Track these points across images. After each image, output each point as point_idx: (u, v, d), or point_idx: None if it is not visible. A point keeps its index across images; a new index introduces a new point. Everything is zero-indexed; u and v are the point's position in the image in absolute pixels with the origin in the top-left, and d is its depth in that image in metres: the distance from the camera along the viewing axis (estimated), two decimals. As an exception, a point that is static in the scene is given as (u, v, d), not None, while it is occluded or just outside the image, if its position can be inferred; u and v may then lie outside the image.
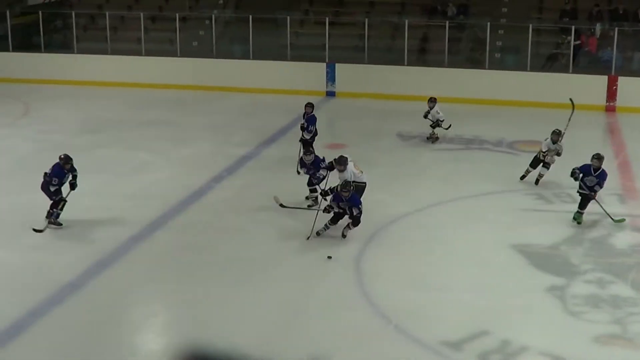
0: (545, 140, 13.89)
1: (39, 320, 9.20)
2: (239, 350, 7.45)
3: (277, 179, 14.37)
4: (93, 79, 22.94)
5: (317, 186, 12.28)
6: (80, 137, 17.20)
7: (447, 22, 22.01)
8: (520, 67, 21.34)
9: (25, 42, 24.32)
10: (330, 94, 22.06)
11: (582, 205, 11.97)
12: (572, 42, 21.13)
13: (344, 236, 11.27)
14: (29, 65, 23.40)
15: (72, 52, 23.85)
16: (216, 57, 23.09)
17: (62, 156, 11.69)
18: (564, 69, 21.11)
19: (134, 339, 9.04)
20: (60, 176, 11.56)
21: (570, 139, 17.24)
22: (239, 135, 17.30)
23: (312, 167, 12.47)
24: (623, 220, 12.06)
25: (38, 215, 11.80)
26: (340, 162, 11.74)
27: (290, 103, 20.65)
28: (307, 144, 14.28)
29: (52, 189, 11.56)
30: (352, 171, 11.73)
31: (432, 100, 16.58)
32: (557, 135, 13.83)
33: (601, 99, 20.61)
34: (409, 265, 10.64)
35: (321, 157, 12.57)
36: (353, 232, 11.46)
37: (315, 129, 14.89)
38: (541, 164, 13.97)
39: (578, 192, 11.99)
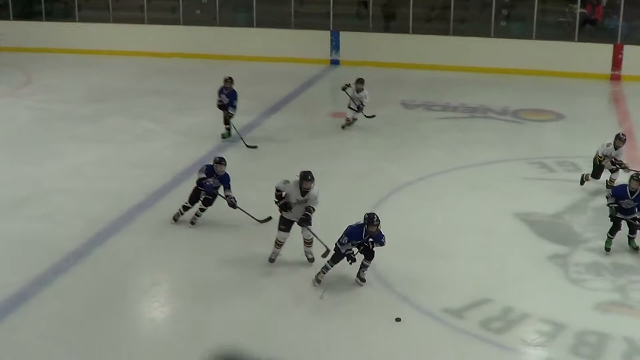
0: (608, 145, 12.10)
1: (43, 289, 9.23)
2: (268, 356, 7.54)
3: (280, 148, 14.37)
4: (95, 48, 22.90)
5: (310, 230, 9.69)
6: (83, 106, 17.20)
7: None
8: (526, 35, 21.20)
9: (26, 10, 24.25)
10: (335, 62, 22.00)
11: (613, 231, 10.21)
12: (578, 10, 20.98)
13: (363, 281, 9.32)
14: (30, 33, 23.33)
15: (74, 21, 23.77)
16: (219, 25, 22.99)
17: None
18: (570, 38, 20.97)
19: (138, 307, 9.08)
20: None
21: (575, 108, 17.23)
22: (242, 104, 17.22)
23: (218, 180, 10.55)
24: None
25: (39, 186, 11.78)
26: (309, 178, 9.38)
27: (294, 71, 20.68)
28: (226, 121, 14.29)
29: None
30: (314, 195, 9.47)
31: (360, 82, 15.26)
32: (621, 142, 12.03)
33: (606, 68, 20.53)
34: (412, 234, 10.65)
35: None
36: (356, 199, 11.46)
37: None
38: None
39: (610, 216, 10.16)
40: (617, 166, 11.93)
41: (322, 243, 9.34)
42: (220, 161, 10.50)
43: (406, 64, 21.16)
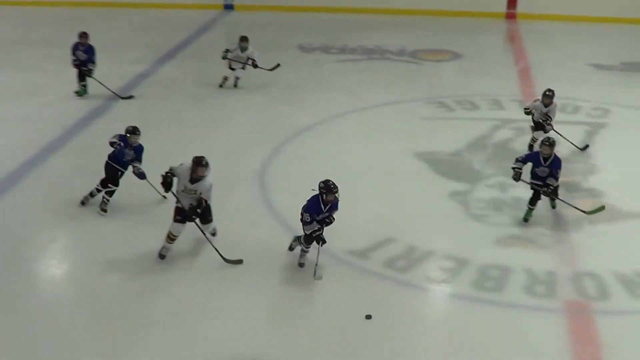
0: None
1: None
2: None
3: (175, 96, 13.97)
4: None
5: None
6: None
7: None
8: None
9: None
10: (229, 7, 21.48)
11: (533, 201, 9.57)
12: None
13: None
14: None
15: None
16: (107, -27, 22.09)
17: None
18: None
19: (35, 265, 8.68)
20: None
21: (471, 47, 17.36)
22: (134, 53, 16.70)
23: (133, 152, 9.42)
24: (602, 208, 9.55)
25: None
26: (203, 163, 8.26)
27: (187, 18, 20.13)
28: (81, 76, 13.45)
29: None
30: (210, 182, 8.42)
31: (244, 40, 14.03)
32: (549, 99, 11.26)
33: (502, 6, 20.71)
34: (313, 177, 10.41)
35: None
36: (256, 145, 11.27)
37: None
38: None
39: (530, 183, 9.52)
40: (545, 124, 11.17)
41: (216, 249, 8.50)
42: (134, 131, 9.34)
43: (302, 7, 20.84)
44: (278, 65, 14.23)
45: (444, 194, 10.27)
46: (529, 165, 9.44)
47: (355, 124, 12.76)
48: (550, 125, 11.21)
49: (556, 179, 9.33)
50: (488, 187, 10.50)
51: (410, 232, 9.25)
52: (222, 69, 14.12)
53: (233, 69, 14.16)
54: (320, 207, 8.09)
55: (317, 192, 8.05)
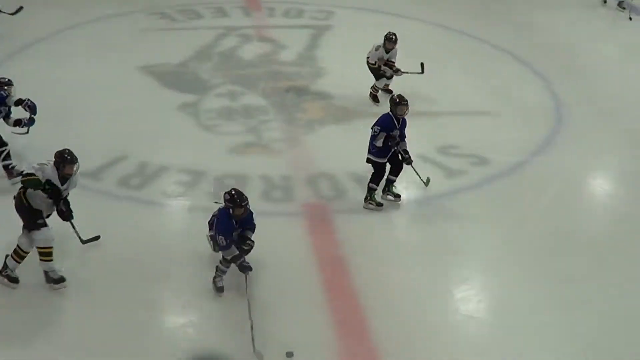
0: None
1: None
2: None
3: None
4: None
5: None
6: None
7: None
8: None
9: None
10: None
11: (376, 179, 8.16)
12: None
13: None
14: None
15: None
16: None
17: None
18: None
19: None
20: None
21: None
22: None
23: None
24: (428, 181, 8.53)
25: None
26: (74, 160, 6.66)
27: None
28: None
29: None
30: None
31: None
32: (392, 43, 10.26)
33: None
34: (37, 100, 9.42)
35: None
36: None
37: None
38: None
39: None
40: (393, 70, 10.22)
41: (78, 235, 7.09)
42: (9, 82, 8.25)
43: None
44: (20, 7, 12.15)
45: (173, 107, 9.98)
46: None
47: (79, 39, 11.95)
48: (398, 70, 10.21)
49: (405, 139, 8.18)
50: (217, 97, 10.34)
51: (142, 148, 8.87)
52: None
53: None
54: (232, 224, 6.63)
55: (222, 205, 6.71)
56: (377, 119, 8.00)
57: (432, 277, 7.13)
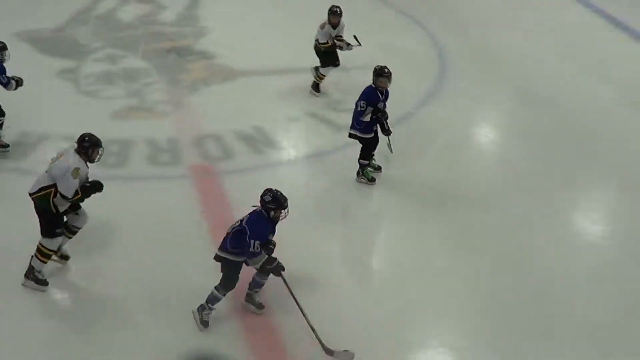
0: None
1: None
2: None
3: None
4: None
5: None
6: None
7: None
8: None
9: None
10: None
11: (367, 155, 7.96)
12: None
13: (261, 307, 6.25)
14: None
15: None
16: None
17: None
18: None
19: None
20: None
21: None
22: None
23: None
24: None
25: None
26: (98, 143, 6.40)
27: None
28: None
29: None
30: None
31: None
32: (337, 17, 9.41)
33: None
34: None
35: None
36: None
37: None
38: None
39: (360, 139, 7.87)
40: (344, 45, 9.33)
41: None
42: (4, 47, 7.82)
43: None
44: None
45: (52, 74, 9.69)
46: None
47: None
48: (349, 44, 9.35)
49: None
50: (96, 61, 10.08)
51: (21, 117, 8.46)
52: None
53: None
54: (269, 228, 5.93)
55: (258, 207, 5.95)
56: (360, 93, 7.64)
57: (322, 235, 7.12)
